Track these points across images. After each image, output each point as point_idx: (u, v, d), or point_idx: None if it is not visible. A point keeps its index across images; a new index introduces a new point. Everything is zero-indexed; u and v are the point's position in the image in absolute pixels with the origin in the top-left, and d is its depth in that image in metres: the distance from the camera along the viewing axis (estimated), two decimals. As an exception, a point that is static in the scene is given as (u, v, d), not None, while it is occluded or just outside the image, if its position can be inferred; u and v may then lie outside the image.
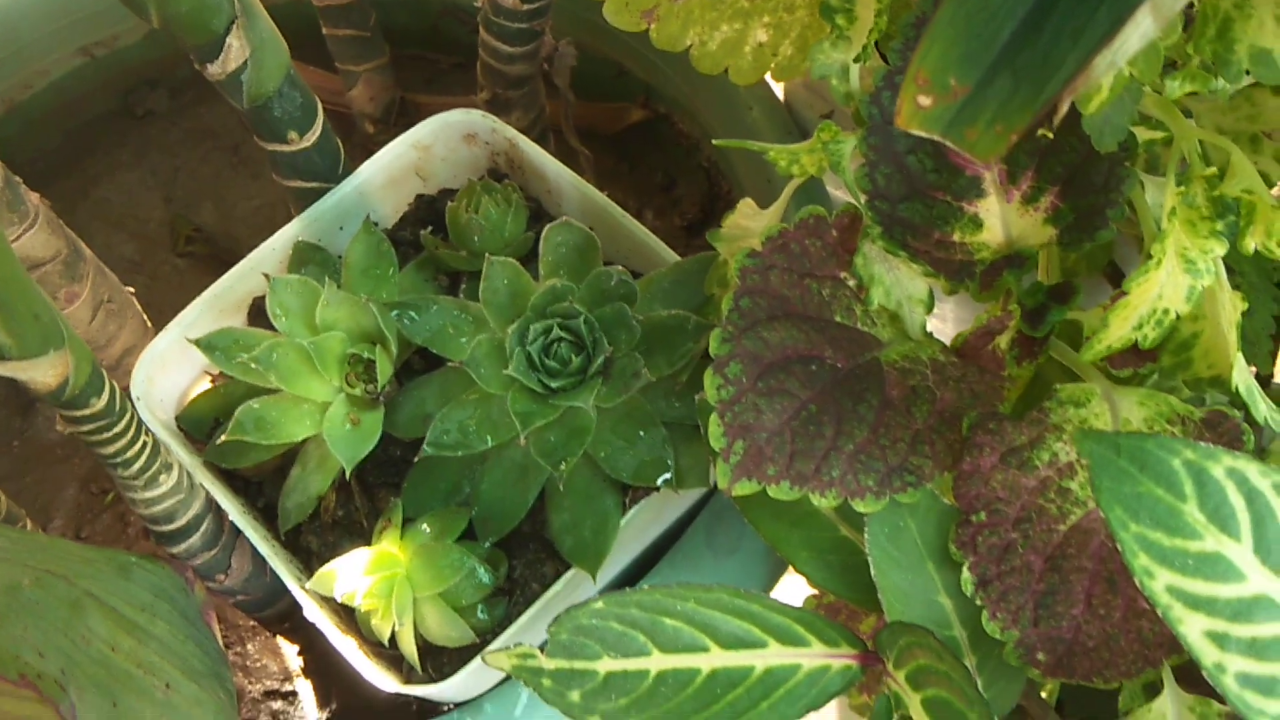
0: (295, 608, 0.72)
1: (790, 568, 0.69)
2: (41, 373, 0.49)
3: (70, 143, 0.92)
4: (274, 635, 0.74)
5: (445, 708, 0.62)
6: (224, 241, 0.89)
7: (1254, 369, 0.62)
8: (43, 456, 0.81)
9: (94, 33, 0.90)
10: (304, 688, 0.73)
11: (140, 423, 0.55)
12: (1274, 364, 0.65)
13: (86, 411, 0.52)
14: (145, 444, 0.56)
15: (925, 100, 0.39)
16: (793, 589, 0.66)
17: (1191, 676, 0.58)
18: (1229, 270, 0.55)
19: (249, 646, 0.74)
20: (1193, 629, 0.44)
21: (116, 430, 0.54)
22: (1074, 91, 0.39)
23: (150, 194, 0.91)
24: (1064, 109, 0.41)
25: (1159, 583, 0.44)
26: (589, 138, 0.87)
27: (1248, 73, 0.49)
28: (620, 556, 0.63)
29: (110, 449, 0.54)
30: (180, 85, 0.94)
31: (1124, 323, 0.52)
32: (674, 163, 0.88)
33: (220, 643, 0.61)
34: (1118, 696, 0.59)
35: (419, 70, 0.93)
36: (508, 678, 0.61)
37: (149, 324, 0.78)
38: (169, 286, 0.87)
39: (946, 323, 0.85)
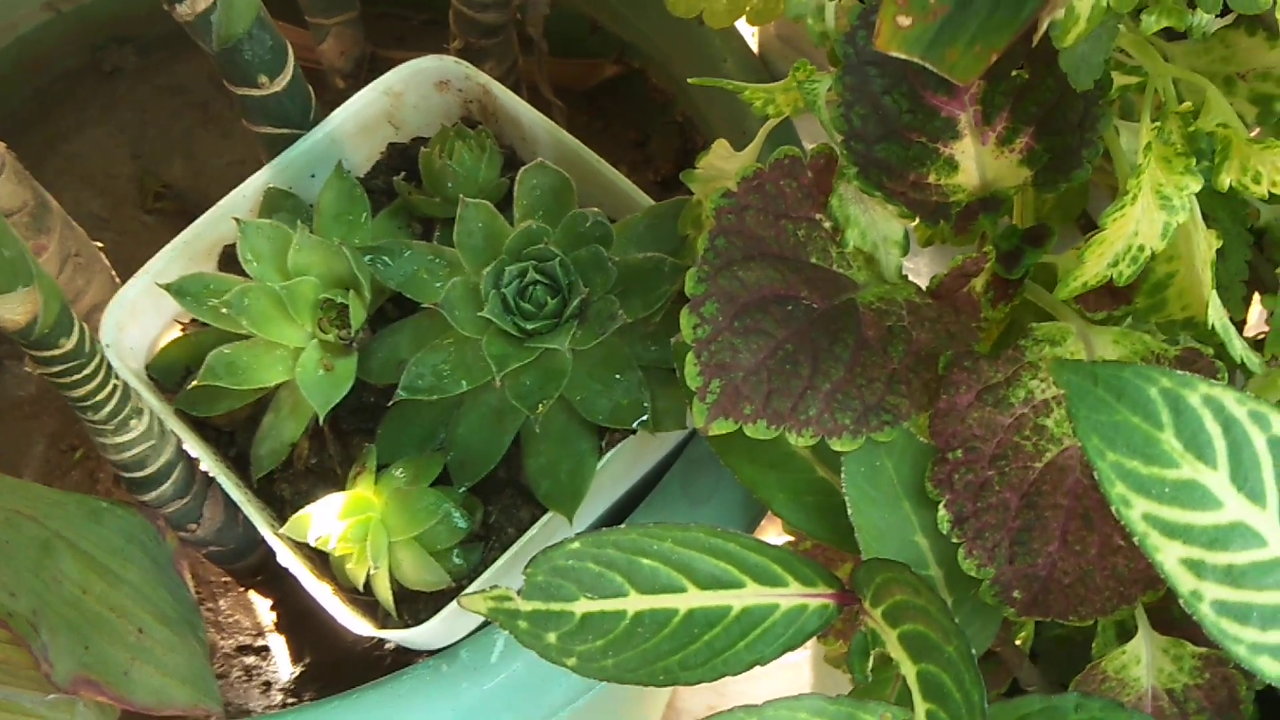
0: (268, 561, 0.71)
1: (764, 519, 0.69)
2: (10, 310, 0.48)
3: (38, 99, 0.91)
4: (246, 590, 0.74)
5: (420, 657, 0.62)
6: (193, 198, 0.88)
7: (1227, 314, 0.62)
8: (10, 413, 0.81)
9: (59, -13, 0.89)
10: (276, 643, 0.73)
11: (110, 366, 0.55)
12: (1247, 310, 0.65)
13: (56, 352, 0.51)
14: (115, 387, 0.55)
15: (904, 21, 0.39)
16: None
17: (1165, 619, 0.58)
18: (1204, 217, 0.55)
19: (220, 602, 0.74)
20: (1169, 557, 0.44)
21: (86, 373, 0.53)
22: (1052, 9, 0.39)
23: (118, 150, 0.90)
24: (1043, 28, 0.41)
25: (1136, 511, 0.44)
26: (561, 94, 0.87)
27: (1226, 10, 0.49)
28: (596, 504, 0.62)
29: (80, 392, 0.54)
30: (149, 43, 0.93)
31: (1100, 259, 0.52)
32: (647, 119, 0.88)
33: (193, 593, 0.61)
34: (1090, 646, 0.60)
35: (389, 27, 0.92)
36: (484, 625, 0.61)
37: (117, 280, 0.77)
38: (137, 243, 0.86)
39: (920, 277, 0.85)
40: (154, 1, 0.91)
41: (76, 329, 0.52)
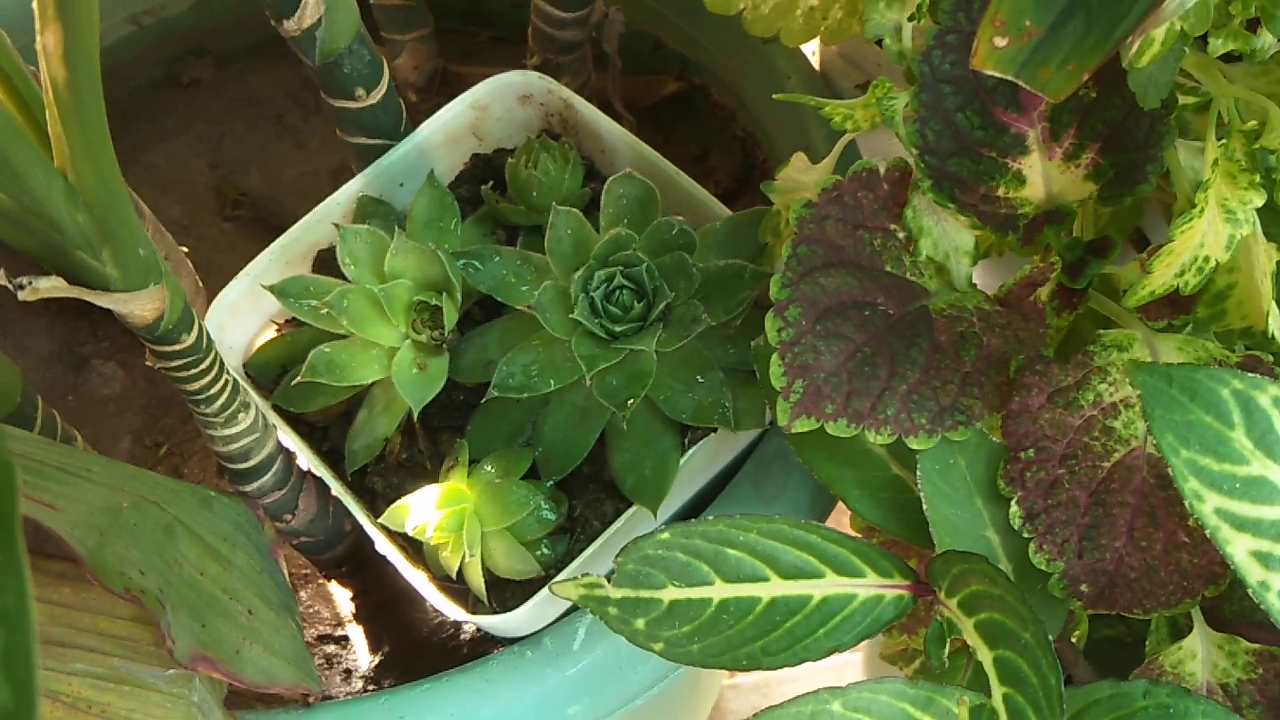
0: (352, 552, 0.74)
1: (828, 518, 0.72)
2: (141, 306, 0.51)
3: (119, 110, 0.93)
4: (328, 581, 0.76)
5: (498, 646, 0.65)
6: (270, 206, 0.91)
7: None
8: (96, 411, 0.84)
9: (142, 2, 0.92)
10: (356, 633, 0.76)
11: (222, 362, 0.58)
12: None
13: (177, 347, 0.54)
14: (227, 382, 0.58)
15: (1001, 41, 0.42)
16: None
17: (1218, 617, 0.60)
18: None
19: (302, 593, 0.77)
20: (1239, 549, 0.47)
21: (202, 367, 0.56)
22: (1144, 32, 0.41)
23: (197, 160, 0.93)
24: (1134, 49, 0.44)
25: (1208, 505, 0.47)
26: (625, 109, 0.90)
27: (1290, 31, 0.51)
28: (675, 498, 0.65)
29: (195, 385, 0.57)
30: (225, 55, 0.97)
31: (1168, 269, 0.54)
32: (708, 134, 0.91)
33: (288, 579, 0.64)
34: (1139, 645, 0.62)
35: (458, 43, 0.95)
36: (566, 613, 0.63)
37: (200, 284, 0.80)
38: (216, 248, 0.90)
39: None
40: (232, 15, 0.95)
41: (196, 326, 0.55)
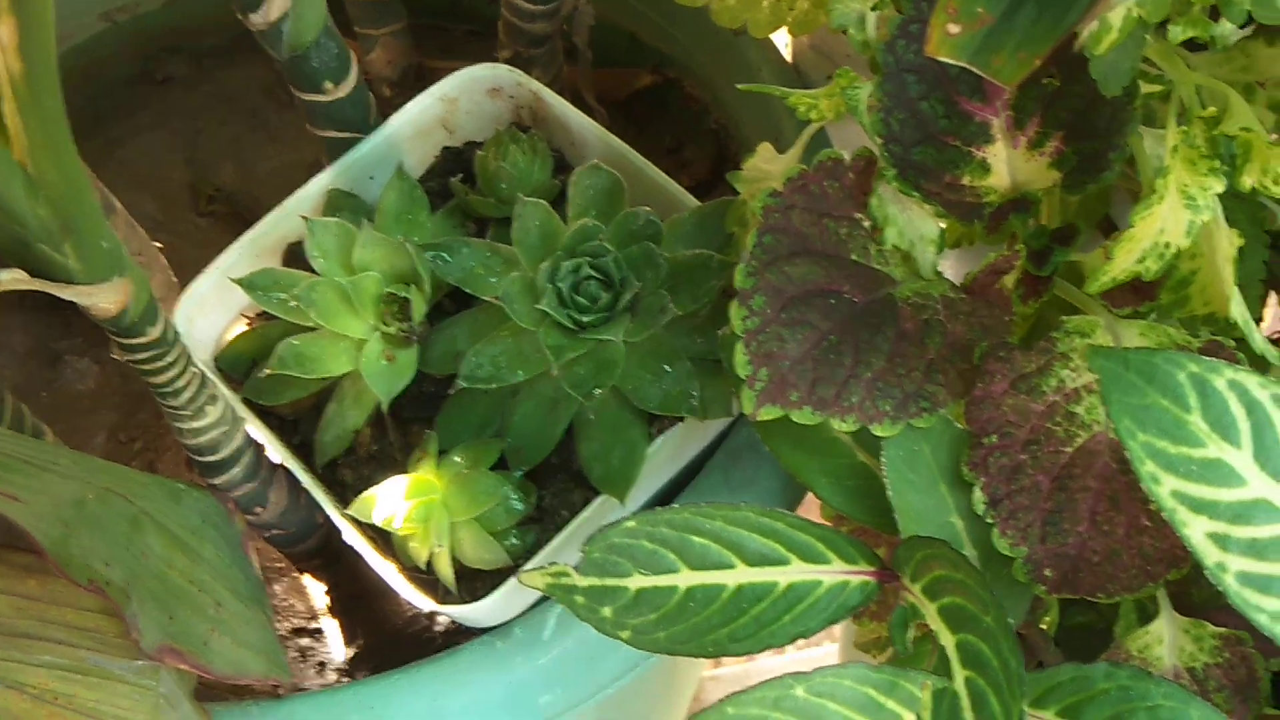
0: (324, 545, 0.74)
1: (799, 509, 0.72)
2: (104, 298, 0.51)
3: (93, 106, 0.94)
4: (301, 574, 0.77)
5: (471, 637, 0.65)
6: (244, 201, 0.91)
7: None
8: (71, 407, 0.84)
9: (116, -2, 0.92)
10: (330, 626, 0.76)
11: (188, 355, 0.58)
12: (1263, 309, 0.68)
13: (142, 340, 0.54)
14: (193, 375, 0.58)
15: (954, 28, 0.42)
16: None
17: (1185, 603, 0.61)
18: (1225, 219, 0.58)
19: (276, 587, 0.77)
20: (1196, 531, 0.47)
21: (169, 360, 0.56)
22: (1093, 19, 0.42)
23: (171, 156, 0.93)
24: (1083, 37, 0.44)
25: (1165, 488, 0.47)
26: (598, 103, 0.90)
27: (1248, 21, 0.52)
28: (645, 488, 0.65)
29: (162, 378, 0.57)
30: (200, 52, 0.97)
31: (1128, 255, 0.55)
32: (682, 126, 0.91)
33: (259, 572, 0.64)
34: (1109, 634, 0.62)
35: (434, 38, 0.95)
36: (537, 603, 0.63)
37: (174, 279, 0.80)
38: (191, 244, 0.90)
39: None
40: (206, 12, 0.95)
41: (161, 319, 0.55)
